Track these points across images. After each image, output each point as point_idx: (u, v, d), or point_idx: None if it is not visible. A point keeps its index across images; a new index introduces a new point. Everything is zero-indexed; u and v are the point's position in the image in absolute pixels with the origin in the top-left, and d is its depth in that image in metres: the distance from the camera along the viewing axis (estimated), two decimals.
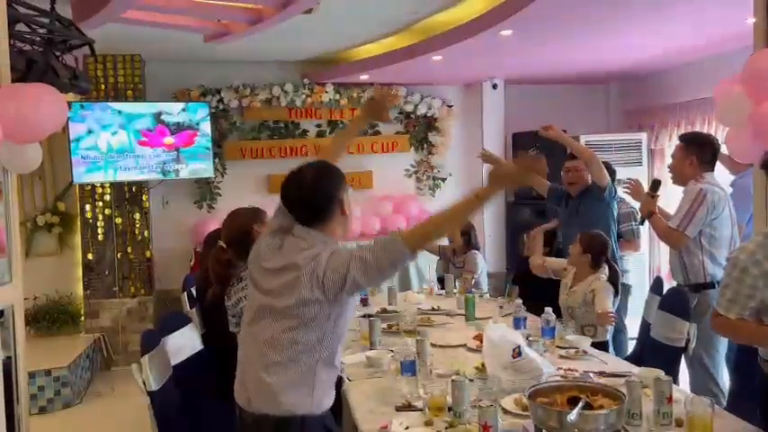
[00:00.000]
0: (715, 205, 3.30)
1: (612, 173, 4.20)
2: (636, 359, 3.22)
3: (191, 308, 3.73)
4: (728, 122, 3.05)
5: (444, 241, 5.64)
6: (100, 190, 5.83)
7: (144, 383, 2.59)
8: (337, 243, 2.09)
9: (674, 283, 3.57)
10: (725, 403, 3.08)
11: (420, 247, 2.00)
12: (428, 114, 6.80)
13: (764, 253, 2.14)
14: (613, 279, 3.52)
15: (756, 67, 2.65)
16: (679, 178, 3.54)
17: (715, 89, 3.04)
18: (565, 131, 4.25)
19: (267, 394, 2.00)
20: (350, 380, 2.73)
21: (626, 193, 4.05)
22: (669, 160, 3.73)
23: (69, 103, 5.20)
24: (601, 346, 3.25)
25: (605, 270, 3.53)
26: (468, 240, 4.91)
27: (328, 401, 2.08)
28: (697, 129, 5.70)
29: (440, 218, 2.03)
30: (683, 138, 3.62)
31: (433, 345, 3.06)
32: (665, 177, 3.89)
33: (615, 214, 4.23)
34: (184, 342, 3.15)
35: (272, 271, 2.06)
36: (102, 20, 3.89)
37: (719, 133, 5.01)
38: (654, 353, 3.17)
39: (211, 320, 3.37)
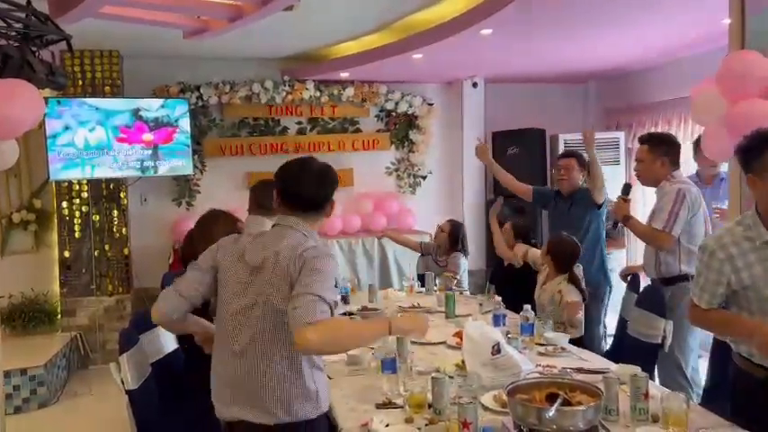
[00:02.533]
0: (693, 203, 3.37)
1: None
2: (613, 356, 3.25)
3: None
4: (704, 122, 3.10)
5: (425, 238, 5.66)
6: (77, 187, 5.75)
7: (122, 382, 2.57)
8: (319, 244, 2.10)
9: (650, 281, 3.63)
10: (693, 395, 3.16)
11: (323, 351, 2.05)
12: (409, 112, 6.81)
13: (731, 237, 2.21)
14: (577, 287, 3.55)
15: (730, 68, 2.70)
16: (650, 180, 3.60)
17: (692, 89, 3.09)
18: (543, 130, 4.34)
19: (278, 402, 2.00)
20: (330, 378, 2.73)
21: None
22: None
23: (46, 99, 5.15)
24: (578, 342, 3.29)
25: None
26: (455, 241, 4.85)
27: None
28: (674, 128, 5.77)
29: (355, 330, 2.17)
30: (646, 141, 3.61)
31: (413, 342, 3.06)
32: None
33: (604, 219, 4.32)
34: (160, 341, 3.12)
35: (256, 268, 2.06)
36: (79, 15, 3.84)
37: (695, 133, 5.10)
38: (631, 349, 3.21)
39: None
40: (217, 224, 3.10)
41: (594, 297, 3.98)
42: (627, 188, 3.63)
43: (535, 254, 4.02)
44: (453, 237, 4.84)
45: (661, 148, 3.50)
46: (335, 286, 2.01)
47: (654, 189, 3.62)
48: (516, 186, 4.72)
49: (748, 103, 2.68)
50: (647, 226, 3.48)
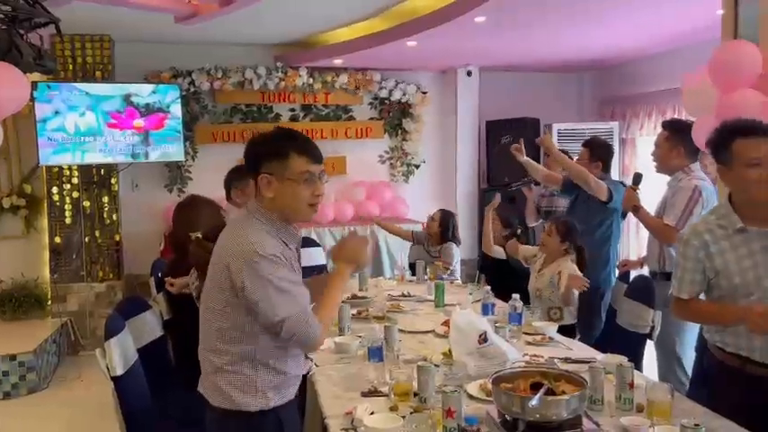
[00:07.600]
0: (707, 201, 3.25)
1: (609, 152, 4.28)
2: (602, 346, 3.25)
3: (158, 292, 3.69)
4: (695, 112, 3.09)
5: (419, 227, 5.63)
6: (67, 172, 5.72)
7: (108, 369, 2.55)
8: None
9: (641, 271, 3.61)
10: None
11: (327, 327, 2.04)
12: (402, 100, 6.78)
13: (705, 225, 2.25)
14: (581, 261, 3.55)
15: (722, 58, 2.68)
16: (665, 168, 3.48)
17: (684, 79, 3.08)
18: (538, 119, 4.29)
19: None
20: (317, 366, 2.72)
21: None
22: (651, 148, 3.59)
23: (35, 83, 5.12)
24: (569, 330, 3.28)
25: (573, 255, 3.57)
26: (446, 231, 4.79)
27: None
28: (667, 118, 5.73)
29: (330, 306, 2.07)
30: (668, 126, 3.49)
31: (401, 331, 3.07)
32: (645, 167, 3.87)
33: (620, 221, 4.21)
34: (146, 327, 3.10)
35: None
36: None
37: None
38: (619, 339, 3.21)
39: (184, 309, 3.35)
40: (197, 210, 3.13)
41: (595, 293, 3.94)
42: (637, 178, 3.52)
43: (526, 250, 4.00)
44: (444, 226, 4.80)
45: (679, 137, 3.32)
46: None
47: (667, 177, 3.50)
48: (551, 177, 4.58)
49: (739, 93, 2.67)
50: (658, 220, 3.37)
